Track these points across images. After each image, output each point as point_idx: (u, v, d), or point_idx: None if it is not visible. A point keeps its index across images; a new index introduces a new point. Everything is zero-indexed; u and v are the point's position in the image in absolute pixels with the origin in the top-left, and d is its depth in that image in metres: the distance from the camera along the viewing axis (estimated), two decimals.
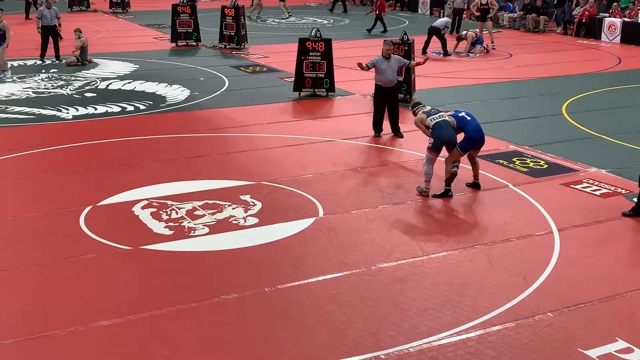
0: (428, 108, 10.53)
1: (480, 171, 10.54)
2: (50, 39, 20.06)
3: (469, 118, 10.25)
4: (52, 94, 16.45)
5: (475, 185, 10.43)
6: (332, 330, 6.71)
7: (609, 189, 10.45)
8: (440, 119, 10.11)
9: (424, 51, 21.56)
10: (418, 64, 13.66)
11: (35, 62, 20.12)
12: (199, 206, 9.64)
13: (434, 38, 21.86)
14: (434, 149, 10.06)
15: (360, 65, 12.95)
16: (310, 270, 7.92)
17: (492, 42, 23.30)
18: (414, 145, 12.50)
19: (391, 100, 13.07)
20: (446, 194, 10.10)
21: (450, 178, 10.10)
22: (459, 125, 10.21)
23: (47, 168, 11.30)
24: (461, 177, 10.58)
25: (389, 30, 25.90)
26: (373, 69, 12.96)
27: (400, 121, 13.14)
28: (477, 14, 24.28)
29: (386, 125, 13.13)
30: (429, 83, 17.29)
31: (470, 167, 10.48)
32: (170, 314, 6.98)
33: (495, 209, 9.83)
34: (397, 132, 13.05)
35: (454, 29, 25.83)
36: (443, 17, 23.43)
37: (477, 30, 23.52)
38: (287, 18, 30.53)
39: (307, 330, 6.73)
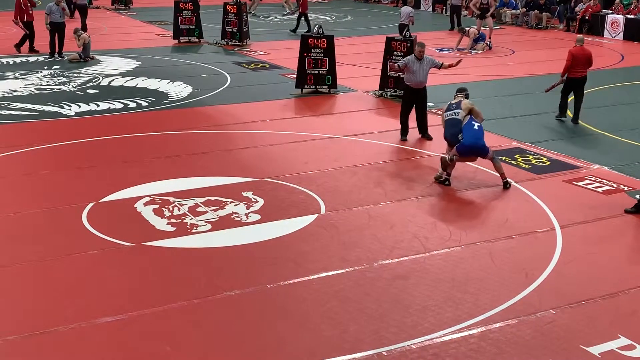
0: (457, 100, 10.74)
1: (481, 167, 10.55)
2: (56, 35, 20.17)
3: (475, 127, 10.31)
4: (55, 90, 16.46)
5: (505, 185, 10.28)
6: (334, 326, 6.72)
7: (611, 186, 10.45)
8: (451, 117, 10.55)
9: None
10: (451, 65, 12.97)
11: (38, 59, 20.12)
12: (201, 203, 9.65)
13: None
14: (446, 141, 10.76)
15: (394, 66, 13.01)
16: (312, 267, 7.92)
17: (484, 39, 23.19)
18: (416, 142, 12.51)
19: (420, 101, 12.78)
20: (442, 180, 10.36)
21: (441, 164, 10.45)
22: (463, 128, 10.36)
23: (50, 164, 11.32)
24: (486, 179, 10.58)
25: (391, 27, 25.82)
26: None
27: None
28: (478, 12, 24.23)
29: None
30: (431, 80, 17.22)
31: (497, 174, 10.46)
32: (173, 311, 6.99)
33: (497, 205, 9.83)
34: (425, 134, 12.76)
35: (453, 25, 25.76)
36: (440, 12, 22.61)
37: (477, 27, 23.46)
38: (287, 14, 30.45)
39: (309, 327, 6.74)
